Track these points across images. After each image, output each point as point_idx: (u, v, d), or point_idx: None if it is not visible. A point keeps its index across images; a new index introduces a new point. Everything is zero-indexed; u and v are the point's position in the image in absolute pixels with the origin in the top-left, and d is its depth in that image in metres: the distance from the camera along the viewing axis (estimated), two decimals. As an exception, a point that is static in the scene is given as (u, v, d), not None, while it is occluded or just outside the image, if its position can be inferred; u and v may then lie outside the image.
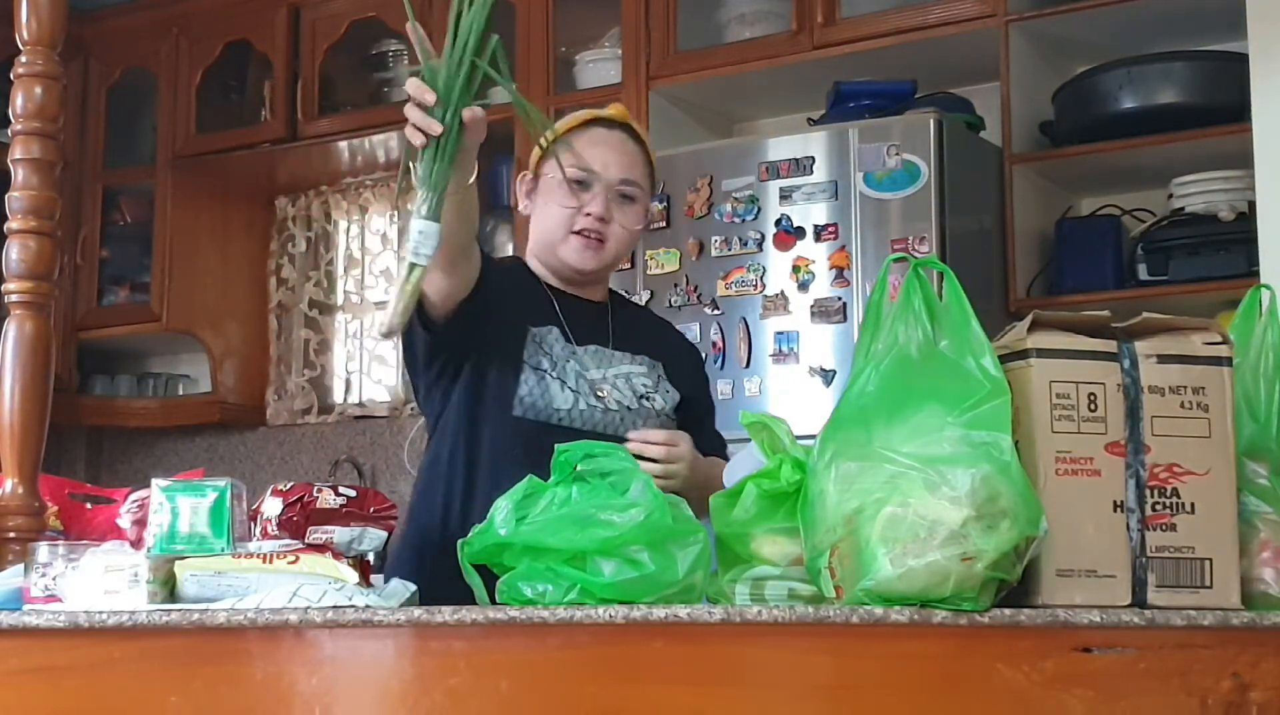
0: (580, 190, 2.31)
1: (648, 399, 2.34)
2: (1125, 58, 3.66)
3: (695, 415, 2.43)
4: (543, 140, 2.33)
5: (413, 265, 1.80)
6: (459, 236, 2.06)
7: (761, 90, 4.23)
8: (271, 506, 1.88)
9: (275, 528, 1.86)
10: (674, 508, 1.59)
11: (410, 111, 1.85)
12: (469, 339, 2.23)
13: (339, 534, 1.86)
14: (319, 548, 1.74)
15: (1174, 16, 3.65)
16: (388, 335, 1.87)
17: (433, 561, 2.10)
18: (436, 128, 1.83)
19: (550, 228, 2.34)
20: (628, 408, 2.31)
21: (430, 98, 1.83)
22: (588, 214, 2.31)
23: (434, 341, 2.24)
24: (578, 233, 2.32)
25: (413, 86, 1.85)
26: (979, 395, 1.47)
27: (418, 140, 1.85)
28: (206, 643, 1.55)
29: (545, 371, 2.26)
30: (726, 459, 2.35)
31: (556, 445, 1.66)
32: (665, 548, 1.55)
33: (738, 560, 1.63)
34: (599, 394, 2.29)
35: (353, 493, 1.91)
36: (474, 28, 1.86)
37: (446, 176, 1.82)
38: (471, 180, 1.99)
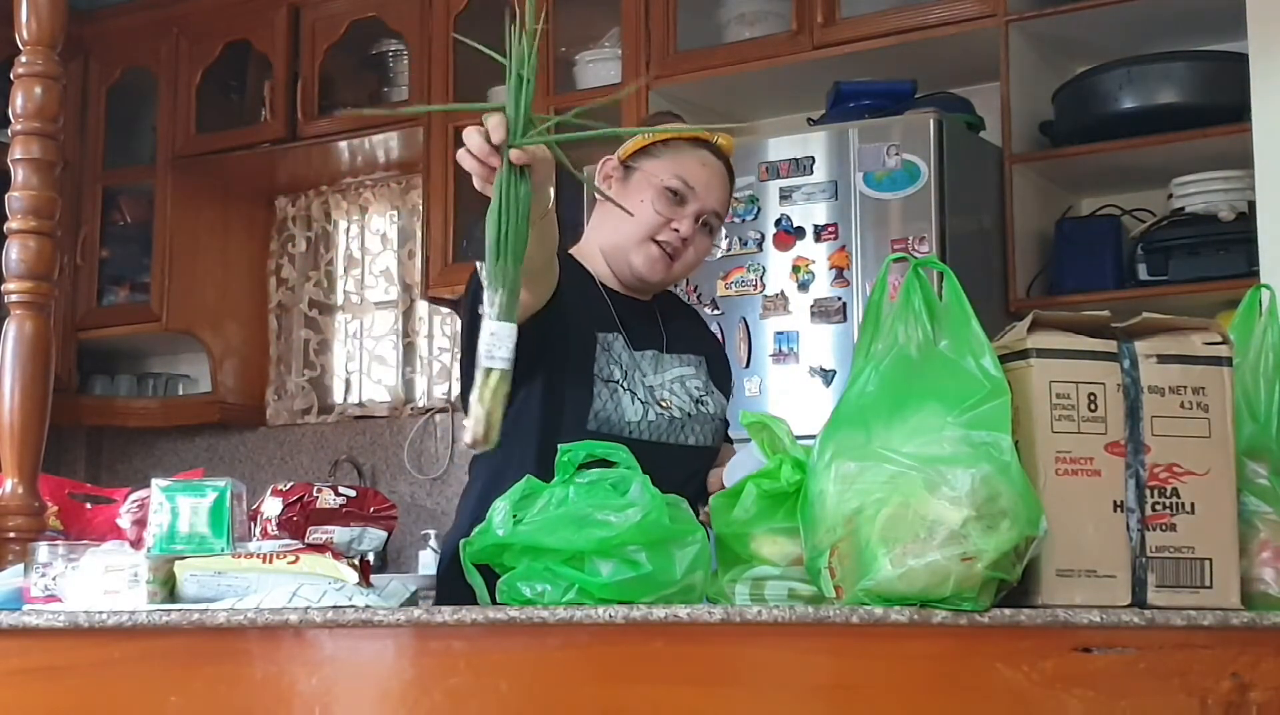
0: (675, 203, 2.27)
1: (703, 403, 2.29)
2: (1125, 58, 3.66)
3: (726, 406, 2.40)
4: (647, 138, 2.28)
5: (489, 370, 1.66)
6: (537, 260, 1.92)
7: (761, 90, 4.23)
8: (271, 506, 1.88)
9: (275, 528, 1.86)
10: (673, 508, 1.59)
11: (464, 160, 1.80)
12: (543, 350, 2.13)
13: (339, 534, 1.86)
14: (319, 548, 1.74)
15: (1174, 16, 3.65)
16: (474, 446, 1.69)
17: None
18: (495, 160, 1.76)
19: (631, 228, 2.26)
20: (688, 414, 2.26)
21: (500, 135, 1.76)
22: (675, 229, 2.26)
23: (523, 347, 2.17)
24: (658, 242, 2.27)
25: (476, 139, 1.79)
26: (979, 395, 1.47)
27: (480, 181, 1.77)
28: (206, 643, 1.56)
29: (617, 382, 2.20)
30: (728, 440, 2.36)
31: (560, 445, 1.66)
32: (663, 548, 1.55)
33: (738, 560, 1.63)
34: (662, 403, 2.24)
35: (352, 493, 1.92)
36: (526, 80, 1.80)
37: (514, 276, 1.69)
38: (550, 207, 1.89)
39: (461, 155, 1.79)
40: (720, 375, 2.40)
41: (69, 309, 5.15)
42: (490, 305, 1.66)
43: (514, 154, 1.75)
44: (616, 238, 2.29)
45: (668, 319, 2.37)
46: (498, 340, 1.66)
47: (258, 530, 1.88)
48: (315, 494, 1.89)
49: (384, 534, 1.90)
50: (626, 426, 2.18)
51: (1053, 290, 3.76)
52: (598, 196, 2.35)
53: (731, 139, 2.38)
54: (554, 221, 1.95)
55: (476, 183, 1.78)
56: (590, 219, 2.41)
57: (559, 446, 1.65)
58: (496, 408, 1.66)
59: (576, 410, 2.16)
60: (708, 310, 3.69)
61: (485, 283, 1.68)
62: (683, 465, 2.22)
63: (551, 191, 1.88)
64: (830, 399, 3.42)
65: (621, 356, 2.22)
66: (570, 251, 2.34)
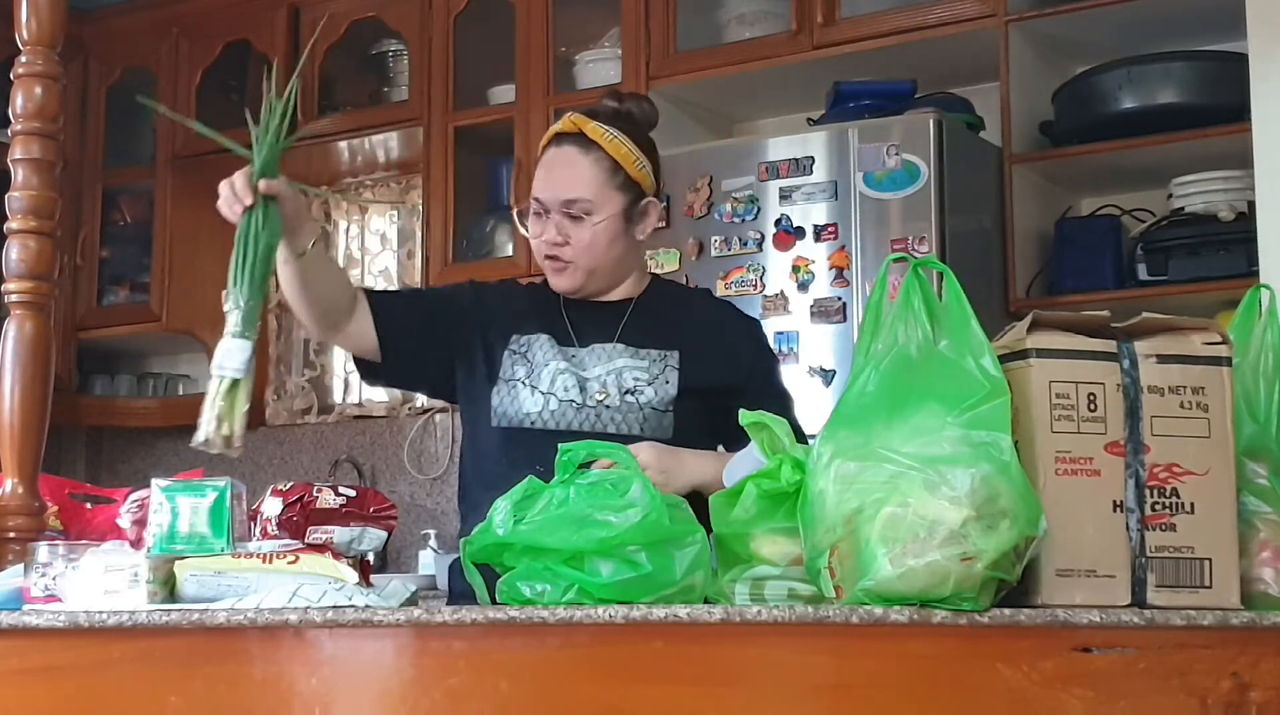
0: (537, 220, 2.35)
1: (634, 393, 2.31)
2: (1125, 58, 3.66)
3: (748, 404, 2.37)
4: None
5: (221, 377, 1.89)
6: (321, 298, 2.34)
7: (761, 90, 4.23)
8: (271, 506, 1.88)
9: (275, 528, 1.86)
10: (673, 509, 1.59)
11: (222, 189, 2.08)
12: (422, 371, 2.41)
13: (339, 534, 1.86)
14: (319, 548, 1.74)
15: (1174, 16, 3.65)
16: (205, 446, 1.88)
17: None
18: (248, 197, 2.09)
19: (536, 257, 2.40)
20: (606, 405, 2.29)
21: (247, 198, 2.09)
22: (543, 241, 2.34)
23: (390, 380, 2.53)
24: (545, 259, 2.36)
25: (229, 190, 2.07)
26: (979, 395, 1.47)
27: (234, 216, 2.07)
28: (206, 643, 1.56)
29: (519, 380, 2.32)
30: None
31: (560, 445, 1.67)
32: (663, 548, 1.55)
33: (738, 560, 1.63)
34: (582, 390, 2.30)
35: (353, 493, 1.92)
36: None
37: (252, 296, 2.02)
38: (309, 245, 2.10)
39: (221, 186, 2.12)
40: (707, 365, 2.36)
41: (69, 309, 5.14)
42: (228, 321, 1.97)
43: (261, 185, 2.10)
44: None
45: (639, 314, 2.39)
46: (229, 352, 1.95)
47: (258, 530, 1.88)
48: (315, 494, 1.89)
49: (384, 534, 1.90)
50: (525, 417, 2.29)
51: (1052, 290, 3.76)
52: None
53: (578, 115, 2.37)
54: (331, 262, 2.17)
55: (224, 210, 2.11)
56: None
57: (559, 447, 1.68)
58: (234, 415, 1.89)
59: (485, 410, 2.32)
60: (708, 310, 3.69)
61: (225, 300, 1.98)
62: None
63: (313, 230, 2.22)
64: (830, 399, 3.42)
65: (536, 354, 2.34)
66: None
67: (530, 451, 2.10)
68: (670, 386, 2.33)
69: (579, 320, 2.38)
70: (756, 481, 1.62)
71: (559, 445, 1.67)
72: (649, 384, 2.33)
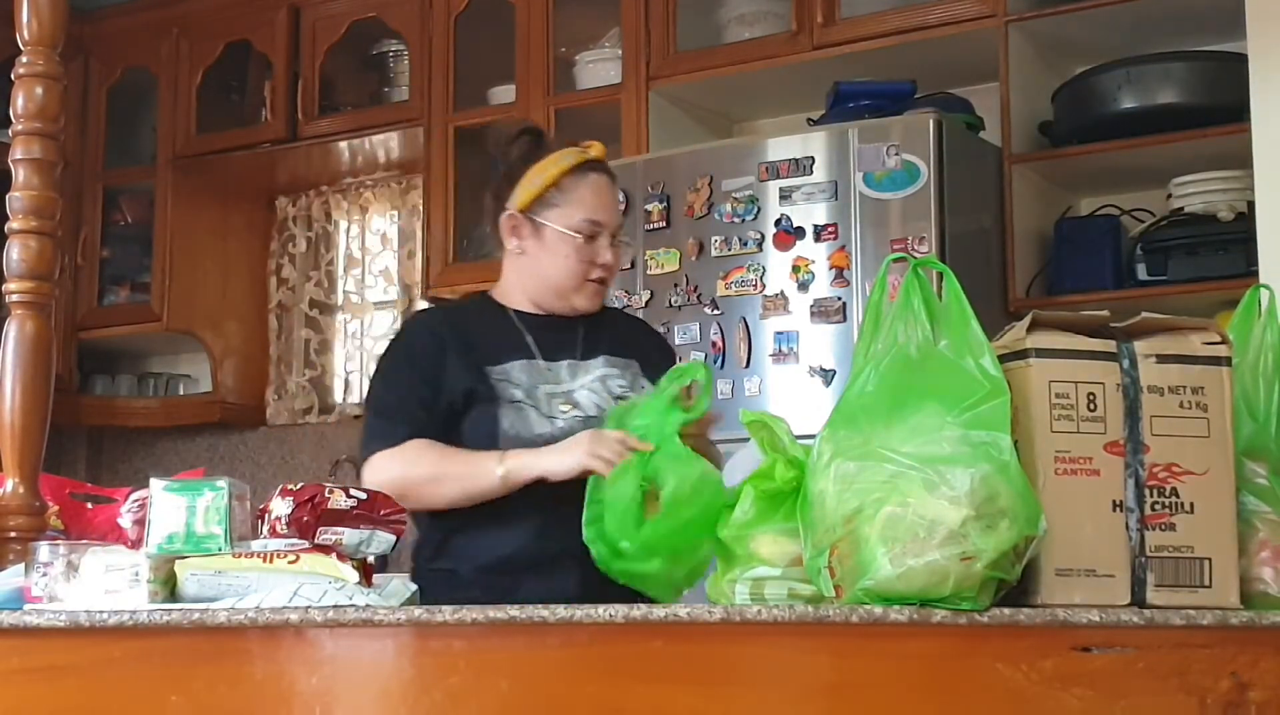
0: (589, 242, 2.40)
1: (624, 399, 2.38)
2: (1125, 58, 3.66)
3: None
4: (536, 183, 2.40)
5: None
6: None
7: (761, 90, 4.23)
8: (281, 506, 1.88)
9: (285, 526, 1.86)
10: None
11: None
12: (449, 414, 2.38)
13: (348, 536, 1.86)
14: (320, 548, 1.74)
15: (1174, 16, 3.65)
16: None
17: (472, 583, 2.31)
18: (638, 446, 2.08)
19: (562, 277, 2.42)
20: (606, 410, 2.35)
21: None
22: (600, 264, 2.42)
23: None
24: (592, 280, 2.43)
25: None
26: (978, 395, 1.48)
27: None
28: (206, 642, 1.56)
29: (521, 402, 2.35)
30: None
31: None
32: None
33: (738, 560, 1.63)
34: (573, 404, 2.36)
35: (364, 495, 1.92)
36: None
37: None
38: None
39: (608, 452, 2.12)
40: (653, 374, 2.44)
41: (69, 309, 5.14)
42: None
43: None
44: (551, 285, 2.44)
45: (589, 329, 2.48)
46: None
47: (265, 528, 1.88)
48: (327, 495, 1.89)
49: (393, 537, 1.90)
50: (537, 437, 2.31)
51: (1052, 290, 3.76)
52: (509, 249, 2.48)
53: (600, 145, 2.49)
54: None
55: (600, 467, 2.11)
56: (505, 260, 2.51)
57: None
58: None
59: (490, 435, 2.32)
60: (707, 310, 3.69)
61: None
62: None
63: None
64: (830, 399, 3.42)
65: (521, 378, 2.37)
66: (489, 293, 2.52)
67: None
68: (649, 391, 2.39)
69: (541, 338, 2.43)
70: (754, 483, 1.62)
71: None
72: (633, 390, 2.41)
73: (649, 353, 2.53)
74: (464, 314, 2.53)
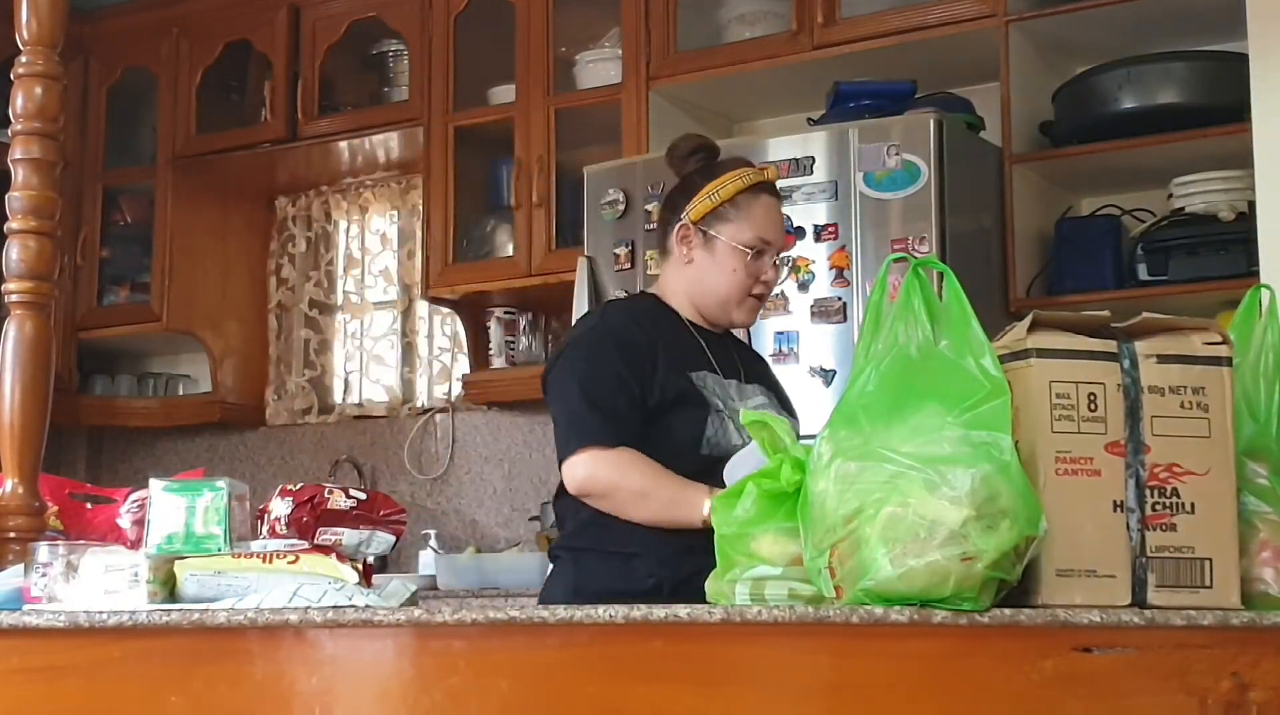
0: (757, 258, 2.49)
1: None
2: (1125, 58, 3.66)
3: None
4: (714, 197, 2.48)
5: None
6: None
7: (761, 90, 4.23)
8: (281, 506, 1.88)
9: (284, 527, 1.86)
10: None
11: None
12: (648, 406, 2.41)
13: (348, 536, 1.86)
14: (319, 548, 1.74)
15: (1174, 16, 3.65)
16: None
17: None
18: None
19: (728, 289, 2.50)
20: None
21: None
22: (764, 282, 2.51)
23: None
24: (754, 296, 2.52)
25: None
26: (979, 395, 1.47)
27: None
28: (206, 643, 1.56)
29: (722, 412, 2.40)
30: None
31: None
32: None
33: (738, 560, 1.63)
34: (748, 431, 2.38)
35: (363, 496, 1.92)
36: None
37: None
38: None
39: None
40: (785, 403, 2.59)
41: (69, 309, 5.14)
42: None
43: None
44: (715, 296, 2.52)
45: (739, 351, 2.61)
46: None
47: (265, 529, 1.89)
48: (326, 495, 1.89)
49: (392, 538, 1.90)
50: (733, 450, 2.32)
51: (1053, 290, 3.76)
52: (678, 258, 2.55)
53: (776, 171, 2.62)
54: None
55: None
56: (669, 266, 2.58)
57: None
58: None
59: (692, 438, 2.37)
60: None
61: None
62: None
63: None
64: (830, 399, 3.42)
65: (716, 388, 2.44)
66: (652, 291, 2.60)
67: (719, 482, 2.21)
68: (795, 421, 2.52)
69: (715, 354, 2.51)
70: (757, 481, 1.62)
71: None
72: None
73: (770, 377, 2.64)
74: (652, 313, 2.55)
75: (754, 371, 2.59)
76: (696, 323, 2.54)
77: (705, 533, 2.22)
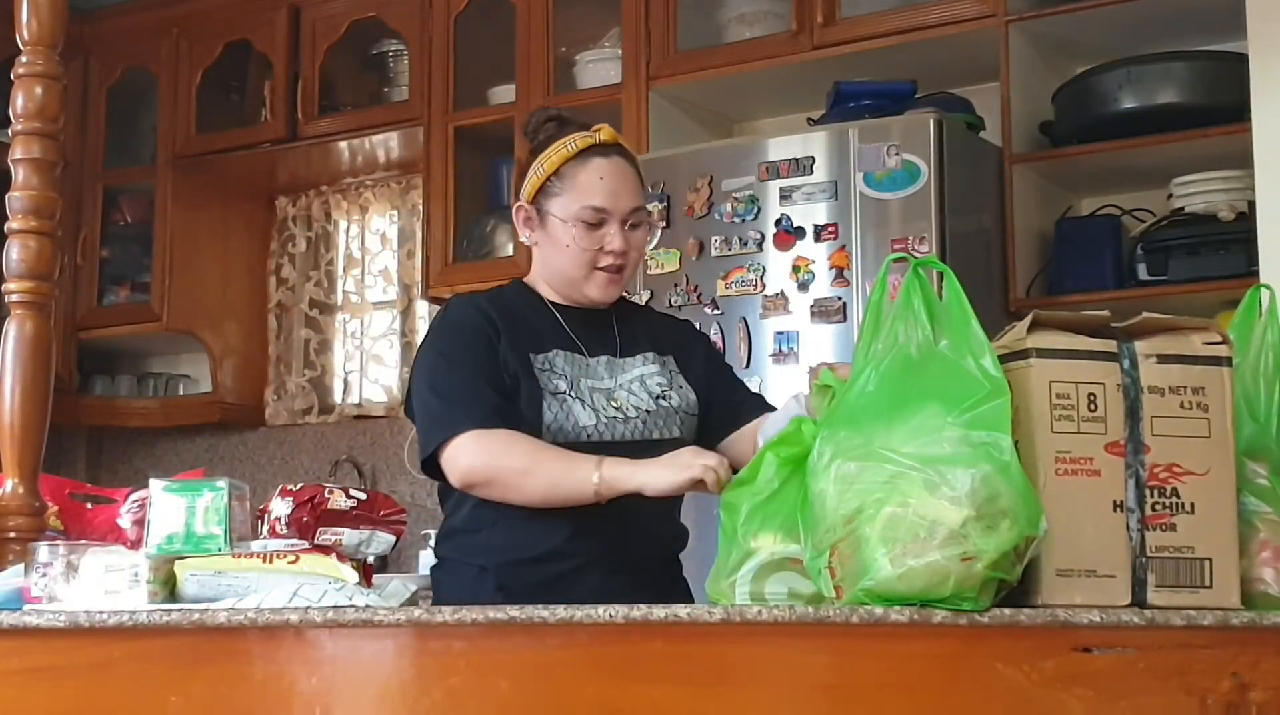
0: (595, 229, 2.31)
1: (664, 398, 2.34)
2: (1125, 58, 3.66)
3: (726, 394, 2.43)
4: (539, 172, 2.33)
5: None
6: None
7: (761, 90, 4.23)
8: (281, 506, 1.88)
9: (284, 527, 1.87)
10: None
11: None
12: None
13: (348, 536, 1.86)
14: (319, 548, 1.74)
15: (1174, 16, 3.65)
16: None
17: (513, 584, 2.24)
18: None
19: (569, 267, 2.34)
20: (646, 411, 2.31)
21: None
22: (609, 252, 2.32)
23: None
24: (601, 268, 2.33)
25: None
26: (979, 395, 1.47)
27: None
28: (206, 643, 1.56)
29: (565, 393, 2.27)
30: (772, 408, 2.40)
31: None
32: None
33: (737, 560, 1.63)
34: (614, 403, 2.30)
35: (363, 496, 1.92)
36: None
37: None
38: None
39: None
40: (697, 369, 2.43)
41: (69, 309, 5.15)
42: None
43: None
44: (561, 274, 2.36)
45: (622, 324, 2.43)
46: None
47: (265, 529, 1.89)
48: (327, 495, 1.89)
49: (393, 538, 1.90)
50: (582, 431, 2.25)
51: (1053, 290, 3.76)
52: (524, 242, 2.43)
53: (609, 128, 2.39)
54: None
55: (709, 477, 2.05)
56: (533, 258, 2.45)
57: None
58: None
59: (532, 425, 2.23)
60: (707, 310, 3.70)
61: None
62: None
63: None
64: (830, 399, 3.41)
65: (565, 369, 2.30)
66: (524, 280, 2.45)
67: None
68: (688, 391, 2.39)
69: (579, 332, 2.37)
70: (775, 449, 1.62)
71: None
72: (671, 388, 2.37)
73: (684, 346, 2.47)
74: (505, 298, 2.43)
75: (647, 342, 2.41)
76: (561, 302, 2.39)
77: (567, 535, 2.21)
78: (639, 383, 2.35)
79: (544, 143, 2.37)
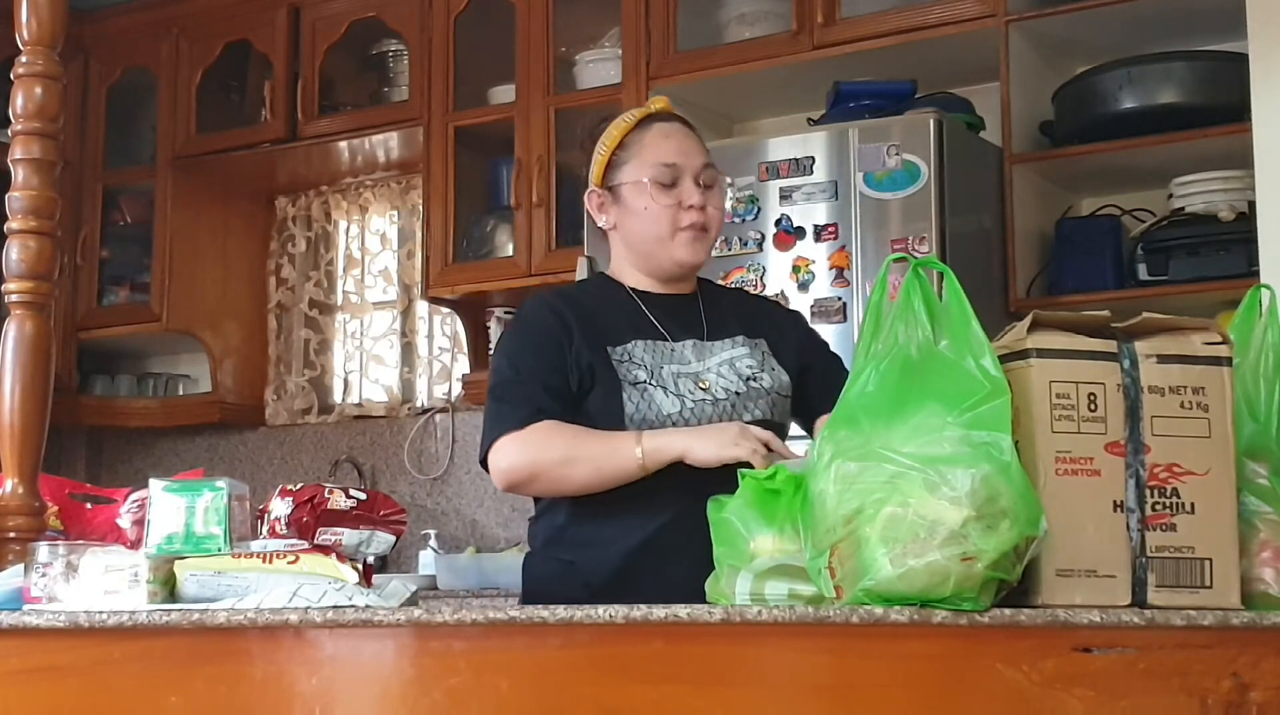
0: (670, 187, 2.31)
1: (754, 380, 2.31)
2: (1125, 58, 3.66)
3: (821, 377, 2.38)
4: (602, 151, 2.35)
5: None
6: None
7: (761, 90, 4.23)
8: (281, 506, 1.88)
9: (284, 527, 1.87)
10: None
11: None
12: (578, 395, 2.28)
13: (348, 536, 1.86)
14: (319, 548, 1.74)
15: (1174, 16, 3.65)
16: None
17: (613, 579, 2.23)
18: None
19: (651, 230, 2.33)
20: (736, 393, 2.28)
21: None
22: (690, 207, 2.31)
23: None
24: (684, 228, 2.32)
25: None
26: (979, 395, 1.47)
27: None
28: (206, 643, 1.56)
29: (645, 383, 2.25)
30: None
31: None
32: None
33: (737, 560, 1.63)
34: (703, 386, 2.27)
35: (363, 496, 1.92)
36: None
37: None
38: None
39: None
40: (790, 350, 2.40)
41: (69, 309, 5.14)
42: None
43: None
44: (645, 244, 2.35)
45: (710, 307, 2.41)
46: None
47: (265, 529, 1.89)
48: (326, 495, 1.89)
49: (392, 538, 1.90)
50: (666, 419, 2.22)
51: (1053, 290, 3.76)
52: (603, 227, 2.42)
53: (666, 100, 2.44)
54: None
55: (749, 455, 2.06)
56: (611, 244, 2.44)
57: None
58: None
59: (612, 419, 2.22)
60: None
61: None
62: None
63: None
64: (830, 399, 3.41)
65: (644, 358, 2.28)
66: (605, 272, 2.45)
67: None
68: (780, 373, 2.36)
69: (662, 318, 2.35)
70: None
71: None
72: (763, 370, 2.34)
73: (778, 326, 2.44)
74: (583, 292, 2.43)
75: (737, 325, 2.38)
76: (648, 289, 2.38)
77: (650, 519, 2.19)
78: (728, 365, 2.32)
79: (594, 137, 2.39)
